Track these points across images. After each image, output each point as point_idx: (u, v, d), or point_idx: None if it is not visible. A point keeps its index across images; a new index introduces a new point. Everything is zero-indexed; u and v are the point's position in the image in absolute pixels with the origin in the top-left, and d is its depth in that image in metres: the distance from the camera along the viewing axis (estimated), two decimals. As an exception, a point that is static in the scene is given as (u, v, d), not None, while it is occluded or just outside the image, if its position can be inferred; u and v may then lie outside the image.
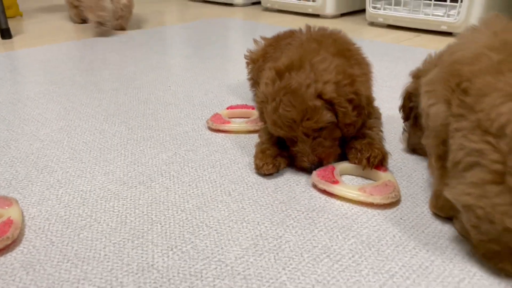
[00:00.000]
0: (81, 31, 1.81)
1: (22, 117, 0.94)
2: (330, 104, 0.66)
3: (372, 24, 1.87)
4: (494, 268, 0.49)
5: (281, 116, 0.66)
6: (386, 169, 0.70)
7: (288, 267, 0.51)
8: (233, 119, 0.90)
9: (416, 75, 0.69)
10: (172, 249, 0.54)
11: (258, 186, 0.68)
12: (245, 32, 1.79)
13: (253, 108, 0.93)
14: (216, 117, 0.89)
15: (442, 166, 0.53)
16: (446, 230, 0.57)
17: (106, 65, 1.32)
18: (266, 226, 0.58)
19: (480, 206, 0.44)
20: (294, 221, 0.60)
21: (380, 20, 1.80)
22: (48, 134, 0.86)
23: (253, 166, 0.72)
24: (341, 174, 0.70)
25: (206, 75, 1.22)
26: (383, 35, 1.68)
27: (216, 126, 0.86)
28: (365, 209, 0.62)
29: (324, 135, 0.68)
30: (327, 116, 0.66)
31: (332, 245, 0.55)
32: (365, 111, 0.69)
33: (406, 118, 0.75)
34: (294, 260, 0.52)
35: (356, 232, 0.57)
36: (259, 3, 2.31)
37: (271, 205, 0.63)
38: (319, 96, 0.65)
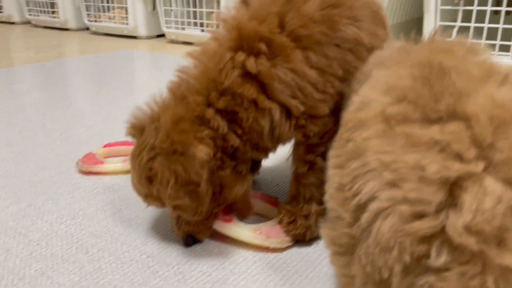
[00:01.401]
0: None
1: None
2: None
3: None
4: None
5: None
6: (276, 202, 0.62)
7: None
8: (109, 159, 0.79)
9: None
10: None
11: (124, 238, 0.57)
12: (149, 65, 1.70)
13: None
14: (89, 157, 0.77)
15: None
16: (333, 272, 0.50)
17: (-26, 104, 1.15)
18: (123, 290, 0.48)
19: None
20: (161, 279, 0.50)
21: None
22: None
23: (124, 213, 0.61)
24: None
25: (91, 109, 1.10)
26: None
27: (86, 167, 0.75)
28: (246, 254, 0.54)
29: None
30: None
31: (201, 307, 0.45)
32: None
33: None
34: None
35: (232, 286, 0.49)
36: (163, 35, 2.24)
37: (136, 261, 0.53)
38: None
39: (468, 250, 0.29)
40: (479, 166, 0.31)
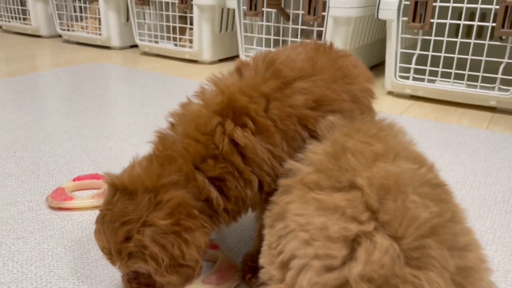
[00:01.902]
0: None
1: None
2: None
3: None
4: None
5: None
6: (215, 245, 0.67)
7: None
8: (78, 193, 0.82)
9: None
10: None
11: (91, 280, 0.62)
12: (123, 81, 1.72)
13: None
14: (58, 192, 0.81)
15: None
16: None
17: None
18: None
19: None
20: (124, 325, 0.54)
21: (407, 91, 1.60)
22: None
23: (91, 253, 0.65)
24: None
25: (62, 134, 1.12)
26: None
27: (56, 203, 0.78)
28: (204, 298, 0.59)
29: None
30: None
31: None
32: None
33: None
34: None
35: (189, 332, 0.54)
36: (137, 46, 2.26)
37: (101, 305, 0.57)
38: None
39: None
40: (371, 225, 0.38)
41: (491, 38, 1.36)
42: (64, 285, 0.60)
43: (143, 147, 0.60)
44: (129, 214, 0.49)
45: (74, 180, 0.86)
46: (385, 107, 1.47)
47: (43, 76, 1.73)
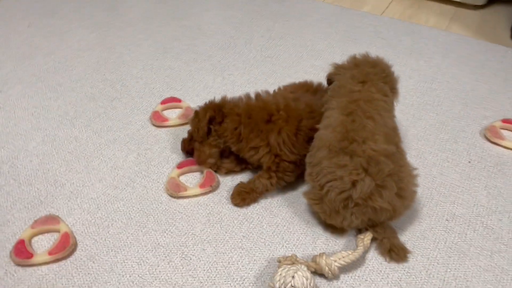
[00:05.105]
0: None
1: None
2: None
3: None
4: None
5: None
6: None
7: None
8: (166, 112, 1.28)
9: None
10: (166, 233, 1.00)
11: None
12: None
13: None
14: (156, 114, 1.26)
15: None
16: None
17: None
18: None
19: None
20: (227, 198, 1.07)
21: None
22: (36, 147, 1.18)
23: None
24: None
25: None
26: None
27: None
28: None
29: None
30: None
31: None
32: None
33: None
34: None
35: None
36: None
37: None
38: None
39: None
40: (363, 175, 0.87)
41: None
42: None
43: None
44: None
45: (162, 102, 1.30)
46: (371, 4, 1.81)
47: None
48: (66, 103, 1.32)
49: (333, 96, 0.98)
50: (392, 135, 0.91)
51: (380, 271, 0.91)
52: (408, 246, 0.95)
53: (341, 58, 1.49)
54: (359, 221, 0.91)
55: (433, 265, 0.92)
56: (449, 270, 0.91)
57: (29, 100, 1.32)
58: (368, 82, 0.96)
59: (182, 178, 1.10)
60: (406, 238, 0.97)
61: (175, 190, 1.05)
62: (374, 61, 1.02)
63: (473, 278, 0.90)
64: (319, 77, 1.41)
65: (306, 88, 1.13)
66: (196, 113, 1.07)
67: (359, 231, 0.97)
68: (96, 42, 1.57)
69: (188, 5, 1.79)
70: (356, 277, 0.90)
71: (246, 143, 1.02)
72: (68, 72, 1.43)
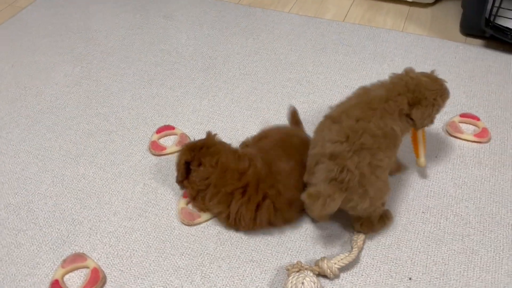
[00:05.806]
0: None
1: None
2: None
3: None
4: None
5: None
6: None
7: None
8: (162, 140, 1.39)
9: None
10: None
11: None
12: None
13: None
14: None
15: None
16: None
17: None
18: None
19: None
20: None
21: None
22: (48, 189, 1.26)
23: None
24: None
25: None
26: None
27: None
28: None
29: None
30: None
31: None
32: None
33: None
34: None
35: None
36: None
37: (216, 208, 1.22)
38: None
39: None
40: (348, 148, 1.00)
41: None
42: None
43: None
44: None
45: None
46: (333, 11, 1.95)
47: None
48: (67, 141, 1.41)
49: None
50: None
51: (373, 265, 1.07)
52: (393, 239, 1.11)
53: (313, 69, 1.64)
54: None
55: (416, 254, 1.09)
56: (429, 256, 1.08)
57: (30, 143, 1.40)
58: None
59: (191, 205, 1.22)
60: (391, 232, 1.13)
61: (190, 219, 1.17)
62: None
63: (449, 261, 1.07)
64: (295, 90, 1.56)
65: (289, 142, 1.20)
66: (178, 153, 1.18)
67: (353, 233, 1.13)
68: (82, 76, 1.64)
69: (162, 28, 1.88)
70: (354, 273, 1.06)
71: (209, 199, 1.12)
72: (62, 110, 1.51)
